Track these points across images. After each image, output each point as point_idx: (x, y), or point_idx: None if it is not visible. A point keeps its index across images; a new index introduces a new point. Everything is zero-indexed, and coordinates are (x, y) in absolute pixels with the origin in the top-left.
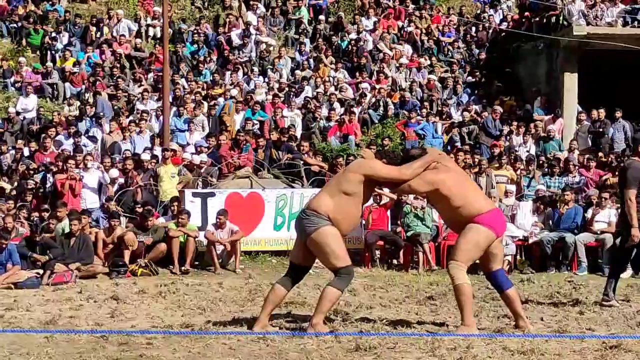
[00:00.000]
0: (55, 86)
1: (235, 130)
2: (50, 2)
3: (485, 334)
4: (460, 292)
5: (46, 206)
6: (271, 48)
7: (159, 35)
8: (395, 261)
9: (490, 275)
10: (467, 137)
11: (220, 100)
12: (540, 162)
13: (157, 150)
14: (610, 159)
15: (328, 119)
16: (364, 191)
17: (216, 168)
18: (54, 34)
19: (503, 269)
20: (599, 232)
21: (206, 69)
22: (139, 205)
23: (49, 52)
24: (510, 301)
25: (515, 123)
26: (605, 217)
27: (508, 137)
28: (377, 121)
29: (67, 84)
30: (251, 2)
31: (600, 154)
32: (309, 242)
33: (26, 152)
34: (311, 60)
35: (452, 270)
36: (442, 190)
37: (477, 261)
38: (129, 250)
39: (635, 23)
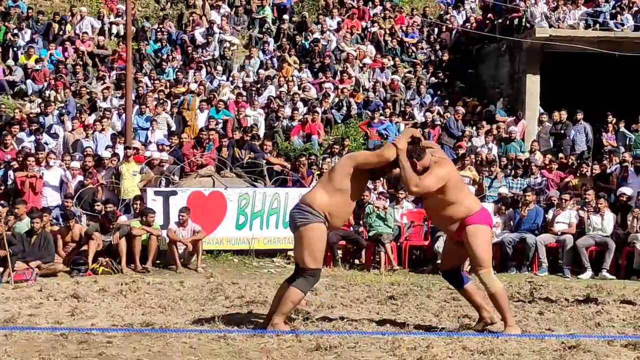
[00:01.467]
0: (16, 83)
1: (197, 127)
2: None
3: (444, 333)
4: (498, 298)
5: (2, 202)
6: (234, 47)
7: (122, 33)
8: (357, 261)
9: (447, 273)
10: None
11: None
12: (502, 163)
13: (120, 148)
14: (571, 160)
15: (291, 118)
16: (355, 185)
17: (178, 166)
18: (16, 31)
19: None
20: (559, 233)
21: (169, 67)
22: (99, 203)
23: (10, 49)
24: (469, 295)
25: (484, 123)
26: (566, 218)
27: (470, 138)
28: (340, 121)
29: (29, 81)
30: (215, 1)
31: (561, 155)
32: (297, 234)
33: None
34: (275, 60)
35: (484, 279)
36: (448, 183)
37: (440, 258)
38: (93, 249)
39: (597, 26)
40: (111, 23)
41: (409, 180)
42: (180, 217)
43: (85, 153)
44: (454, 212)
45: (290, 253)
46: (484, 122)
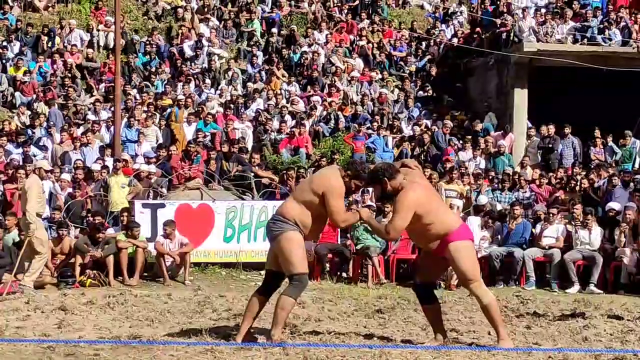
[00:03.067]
0: (4, 95)
1: (185, 139)
2: (2, 11)
3: (432, 347)
4: (491, 310)
5: None
6: (222, 60)
7: (111, 45)
8: (344, 274)
9: (422, 286)
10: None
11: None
12: (490, 177)
13: (108, 161)
14: (559, 174)
15: (279, 131)
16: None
17: (166, 179)
18: (4, 43)
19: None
20: (547, 248)
21: (158, 80)
22: (89, 215)
23: None
24: (432, 314)
25: (469, 137)
26: (554, 232)
27: (457, 152)
28: (328, 134)
29: (18, 93)
30: (203, 14)
31: (551, 167)
32: (275, 245)
33: None
34: (263, 73)
35: (476, 291)
36: (419, 209)
37: (420, 269)
38: (79, 261)
39: (585, 40)
40: (98, 31)
41: (381, 235)
42: (164, 231)
43: (76, 165)
44: (433, 232)
45: None
46: (469, 136)
